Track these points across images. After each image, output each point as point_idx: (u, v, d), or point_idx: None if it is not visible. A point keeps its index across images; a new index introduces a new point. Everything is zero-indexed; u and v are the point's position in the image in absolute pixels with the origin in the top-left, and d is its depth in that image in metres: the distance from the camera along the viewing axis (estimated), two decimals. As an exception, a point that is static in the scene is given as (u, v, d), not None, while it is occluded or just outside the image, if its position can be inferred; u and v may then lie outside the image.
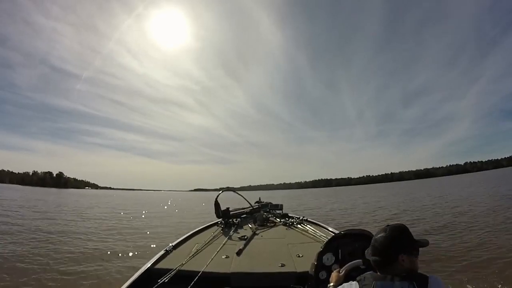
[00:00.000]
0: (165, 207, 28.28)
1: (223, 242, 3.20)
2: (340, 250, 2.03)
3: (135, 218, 16.22)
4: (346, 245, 2.03)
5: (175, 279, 2.34)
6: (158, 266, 2.62)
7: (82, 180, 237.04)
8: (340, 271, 1.79)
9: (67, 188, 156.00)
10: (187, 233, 3.60)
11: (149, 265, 2.60)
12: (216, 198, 4.40)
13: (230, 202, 4.90)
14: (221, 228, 3.90)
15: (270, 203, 5.76)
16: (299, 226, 3.91)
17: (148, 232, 11.05)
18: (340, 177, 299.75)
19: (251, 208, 5.08)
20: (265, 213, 4.85)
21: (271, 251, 2.95)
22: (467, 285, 4.64)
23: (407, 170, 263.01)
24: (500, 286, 4.56)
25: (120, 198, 47.23)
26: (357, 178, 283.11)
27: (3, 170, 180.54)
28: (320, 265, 2.00)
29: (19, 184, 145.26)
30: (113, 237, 9.80)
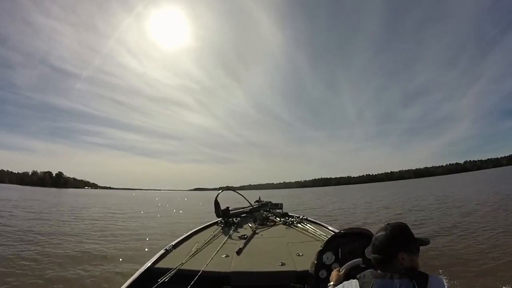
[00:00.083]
0: (164, 206, 27.82)
1: (223, 242, 3.17)
2: (340, 249, 2.03)
3: (131, 219, 15.75)
4: (346, 244, 2.03)
5: (175, 278, 2.33)
6: (158, 265, 2.61)
7: (81, 180, 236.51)
8: (340, 270, 1.79)
9: (67, 188, 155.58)
10: (187, 232, 3.58)
11: (149, 265, 2.59)
12: (216, 198, 4.37)
13: (230, 201, 4.81)
14: (221, 228, 3.87)
15: (270, 202, 5.70)
16: (299, 225, 3.89)
17: (142, 234, 10.56)
18: (339, 176, 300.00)
19: (251, 207, 5.04)
20: (265, 212, 4.79)
21: (271, 250, 2.94)
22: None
23: (407, 169, 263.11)
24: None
25: (118, 198, 46.73)
26: (356, 177, 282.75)
27: (2, 170, 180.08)
28: (320, 264, 2.00)
29: (19, 184, 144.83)
30: (106, 239, 9.32)
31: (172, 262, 2.58)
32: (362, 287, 1.27)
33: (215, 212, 4.32)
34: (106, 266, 6.19)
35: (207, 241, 3.21)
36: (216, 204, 4.31)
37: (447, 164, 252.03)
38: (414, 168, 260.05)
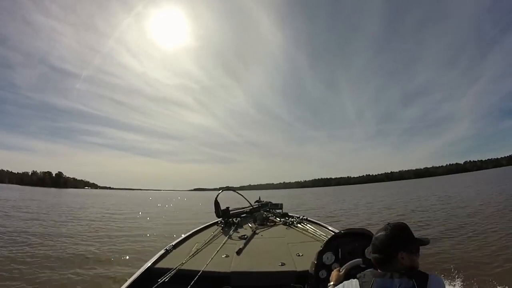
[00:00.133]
0: (163, 207, 27.54)
1: (223, 242, 3.16)
2: (340, 249, 2.02)
3: (128, 219, 15.44)
4: (346, 244, 2.03)
5: (175, 279, 2.32)
6: (158, 265, 2.60)
7: (81, 180, 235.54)
8: (340, 270, 1.79)
9: (67, 188, 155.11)
10: (187, 232, 3.57)
11: (149, 265, 2.58)
12: (216, 198, 4.34)
13: (230, 201, 4.77)
14: (221, 228, 3.85)
15: (270, 202, 5.67)
16: (299, 225, 3.88)
17: (138, 235, 10.24)
18: (339, 177, 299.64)
19: (251, 207, 5.00)
20: (265, 213, 4.77)
21: (271, 250, 2.93)
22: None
23: (406, 170, 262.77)
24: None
25: (118, 198, 46.45)
26: (356, 177, 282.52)
27: (2, 170, 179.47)
28: (320, 264, 2.00)
29: (19, 184, 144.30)
30: (101, 240, 9.03)
31: (172, 262, 2.57)
32: (362, 286, 1.27)
33: (215, 212, 4.28)
34: (98, 270, 5.91)
35: (207, 241, 3.18)
36: (216, 204, 4.28)
37: (447, 164, 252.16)
38: (414, 169, 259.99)
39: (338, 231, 2.65)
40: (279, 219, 4.36)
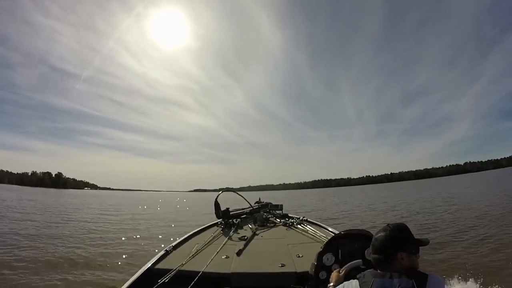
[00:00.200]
0: (161, 208, 27.10)
1: (223, 243, 3.17)
2: (340, 250, 2.02)
3: (124, 221, 15.02)
4: (346, 245, 2.03)
5: (175, 279, 2.33)
6: (158, 266, 2.61)
7: (81, 181, 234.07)
8: (340, 271, 1.80)
9: (66, 189, 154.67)
10: (187, 233, 3.58)
11: (149, 265, 2.58)
12: (216, 199, 4.35)
13: (230, 202, 4.73)
14: (221, 229, 3.86)
15: (270, 203, 5.68)
16: (299, 226, 3.89)
17: (132, 238, 9.87)
18: (340, 178, 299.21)
19: (251, 208, 5.00)
20: (265, 214, 4.80)
21: (271, 251, 2.94)
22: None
23: (407, 171, 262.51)
24: None
25: (116, 199, 46.08)
26: (356, 178, 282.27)
27: (2, 170, 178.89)
28: (320, 265, 2.00)
29: (18, 184, 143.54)
30: (92, 243, 8.65)
31: (172, 263, 2.57)
32: (361, 286, 1.27)
33: (215, 213, 4.26)
34: (87, 277, 5.54)
35: (207, 242, 3.19)
36: (216, 205, 4.27)
37: (447, 165, 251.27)
38: (414, 170, 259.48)
39: (338, 232, 2.68)
40: (279, 220, 4.36)
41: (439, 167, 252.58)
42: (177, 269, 2.43)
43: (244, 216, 4.66)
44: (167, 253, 2.88)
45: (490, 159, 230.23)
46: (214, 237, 3.45)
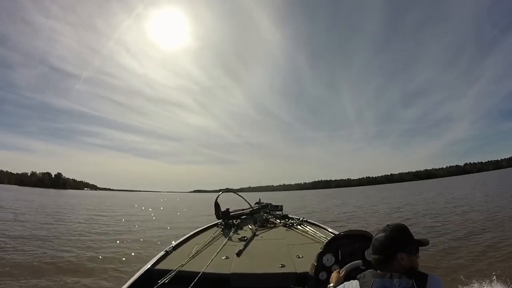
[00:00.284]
0: (159, 210, 26.53)
1: (223, 243, 3.18)
2: (340, 251, 2.01)
3: (118, 223, 14.51)
4: (346, 246, 2.02)
5: (175, 280, 2.33)
6: (158, 266, 2.60)
7: (81, 181, 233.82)
8: (340, 272, 1.79)
9: (66, 189, 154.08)
10: (187, 234, 3.57)
11: (149, 266, 2.58)
12: (216, 199, 4.34)
13: (230, 203, 4.67)
14: (221, 229, 3.86)
15: (270, 204, 5.66)
16: (299, 227, 3.89)
17: (124, 240, 9.41)
18: (339, 178, 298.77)
19: (251, 209, 4.99)
20: (265, 214, 4.79)
21: (271, 252, 2.94)
22: None
23: (407, 171, 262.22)
24: None
25: (115, 200, 45.65)
26: (356, 179, 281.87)
27: (1, 171, 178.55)
28: (320, 266, 2.00)
29: (18, 184, 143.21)
30: (81, 246, 8.20)
31: (172, 264, 2.57)
32: (362, 286, 1.28)
33: (215, 213, 4.26)
34: (69, 285, 5.11)
35: (207, 243, 3.19)
36: (216, 205, 4.27)
37: (447, 166, 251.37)
38: (414, 170, 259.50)
39: (338, 232, 2.66)
40: (279, 221, 4.37)
41: (439, 168, 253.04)
42: (177, 269, 2.43)
43: (244, 216, 4.65)
44: (167, 253, 2.87)
45: (490, 159, 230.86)
46: (214, 237, 3.44)
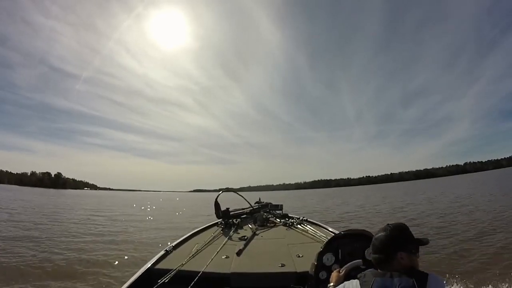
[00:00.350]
0: (159, 209, 26.23)
1: (223, 243, 3.17)
2: (340, 250, 2.01)
3: (115, 223, 14.24)
4: (346, 245, 2.02)
5: (175, 279, 2.33)
6: (158, 266, 2.60)
7: (81, 181, 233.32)
8: (340, 271, 1.80)
9: (66, 189, 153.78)
10: (187, 233, 3.56)
11: (149, 265, 2.57)
12: (216, 199, 4.35)
13: (230, 202, 4.68)
14: (221, 229, 3.84)
15: (270, 203, 5.67)
16: (299, 226, 3.88)
17: (119, 242, 9.08)
18: (339, 178, 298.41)
19: (251, 208, 4.99)
20: (265, 214, 4.79)
21: (271, 251, 2.94)
22: None
23: (407, 171, 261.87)
24: None
25: (114, 199, 45.27)
26: (356, 178, 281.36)
27: (1, 171, 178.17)
28: (320, 265, 2.00)
29: (18, 184, 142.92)
30: (74, 247, 7.89)
31: (172, 263, 2.57)
32: (362, 286, 1.28)
33: (215, 213, 4.27)
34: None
35: (207, 242, 3.19)
36: (216, 205, 4.28)
37: (447, 166, 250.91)
38: (414, 170, 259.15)
39: (338, 232, 2.66)
40: (279, 220, 4.37)
41: (439, 167, 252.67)
42: (177, 269, 2.42)
43: (244, 216, 4.65)
44: (167, 253, 2.87)
45: (490, 159, 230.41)
46: (214, 237, 3.44)
